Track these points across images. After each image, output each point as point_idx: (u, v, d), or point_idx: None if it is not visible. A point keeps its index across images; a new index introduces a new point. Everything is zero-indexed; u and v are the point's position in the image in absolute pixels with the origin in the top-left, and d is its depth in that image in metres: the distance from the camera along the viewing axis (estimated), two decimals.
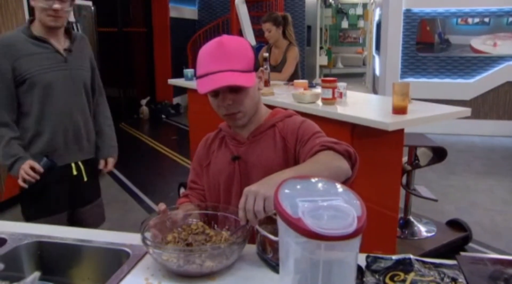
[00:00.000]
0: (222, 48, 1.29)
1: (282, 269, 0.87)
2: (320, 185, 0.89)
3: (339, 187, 0.88)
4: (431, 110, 2.65)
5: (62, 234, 1.39)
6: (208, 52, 1.31)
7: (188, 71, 4.05)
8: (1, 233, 1.35)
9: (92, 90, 2.24)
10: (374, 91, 9.71)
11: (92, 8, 5.20)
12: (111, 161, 2.30)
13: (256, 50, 8.15)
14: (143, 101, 8.41)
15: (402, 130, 2.55)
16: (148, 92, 8.82)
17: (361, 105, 2.90)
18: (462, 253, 1.19)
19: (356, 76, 14.32)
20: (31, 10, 4.11)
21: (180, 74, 8.43)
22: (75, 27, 4.68)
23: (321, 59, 13.48)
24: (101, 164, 2.26)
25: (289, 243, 0.80)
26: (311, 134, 1.35)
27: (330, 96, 2.67)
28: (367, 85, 11.96)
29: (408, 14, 6.76)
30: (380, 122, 2.29)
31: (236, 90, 1.31)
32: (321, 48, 13.80)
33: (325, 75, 13.68)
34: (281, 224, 0.81)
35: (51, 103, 2.03)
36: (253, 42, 8.22)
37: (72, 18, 4.64)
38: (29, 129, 2.04)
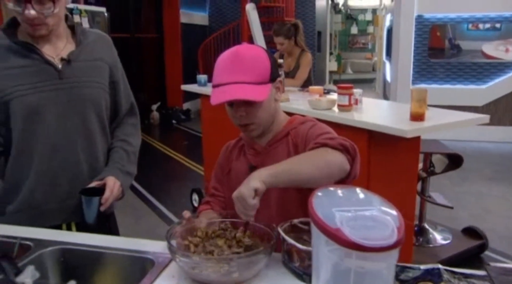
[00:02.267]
0: (237, 58, 1.27)
1: (315, 278, 0.87)
2: (354, 194, 0.89)
3: (374, 196, 0.88)
4: (449, 117, 2.63)
5: (86, 241, 1.39)
6: (223, 62, 1.30)
7: (201, 77, 4.05)
8: (25, 239, 1.35)
9: (114, 112, 1.65)
10: (385, 97, 9.67)
11: (106, 14, 5.23)
12: (111, 182, 1.49)
13: None
14: (154, 107, 8.45)
15: (418, 137, 2.53)
16: (159, 97, 8.85)
17: (377, 112, 2.89)
18: (492, 264, 1.16)
19: (366, 82, 14.30)
20: None
21: (190, 80, 8.45)
22: None
23: (331, 65, 13.45)
24: (93, 184, 1.50)
25: (324, 253, 0.80)
26: (316, 136, 1.31)
27: (347, 102, 2.66)
28: (377, 91, 11.93)
29: (420, 20, 6.73)
30: (398, 129, 2.28)
31: (249, 102, 1.29)
32: (331, 53, 13.78)
33: (335, 81, 13.66)
34: (316, 234, 0.80)
35: (35, 138, 1.44)
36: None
37: (86, 24, 4.66)
38: (2, 178, 1.50)
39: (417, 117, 2.40)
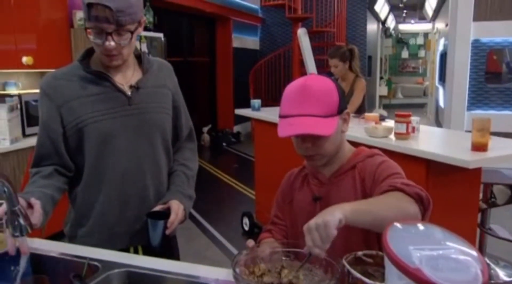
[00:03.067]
0: (306, 90, 1.26)
1: None
2: (430, 231, 0.87)
3: (451, 234, 0.85)
4: None
5: (150, 265, 1.42)
6: (292, 93, 1.29)
7: (255, 102, 4.10)
8: (94, 260, 1.39)
9: (174, 137, 1.69)
10: (437, 123, 9.44)
11: (163, 39, 5.42)
12: (176, 205, 1.51)
13: None
14: (205, 129, 8.60)
15: (480, 167, 2.45)
16: (210, 120, 9.01)
17: (435, 141, 2.82)
18: None
19: (417, 106, 14.03)
20: None
21: (241, 103, 8.61)
22: None
23: (381, 90, 13.33)
24: (157, 207, 1.53)
25: None
26: (387, 175, 1.29)
27: (404, 131, 2.62)
28: (429, 116, 11.66)
29: (476, 45, 6.58)
30: (460, 159, 2.21)
31: (315, 135, 1.27)
32: (381, 78, 13.65)
33: (385, 106, 13.48)
34: (392, 272, 0.79)
35: (107, 162, 1.49)
36: (314, 72, 8.31)
37: (145, 49, 4.84)
38: (73, 202, 1.57)
39: (479, 147, 2.33)
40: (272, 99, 8.80)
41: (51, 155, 1.49)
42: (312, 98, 1.26)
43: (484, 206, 3.05)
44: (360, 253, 1.24)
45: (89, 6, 1.33)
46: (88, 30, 1.38)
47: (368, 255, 1.23)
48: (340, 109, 1.31)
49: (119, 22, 1.35)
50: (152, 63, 1.62)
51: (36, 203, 1.28)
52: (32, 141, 3.64)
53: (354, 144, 1.50)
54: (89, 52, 1.53)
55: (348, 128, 1.39)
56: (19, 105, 3.64)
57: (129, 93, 1.51)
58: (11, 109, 3.49)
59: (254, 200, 4.60)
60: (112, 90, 1.49)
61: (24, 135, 3.73)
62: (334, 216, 1.06)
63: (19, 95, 3.72)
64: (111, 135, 1.48)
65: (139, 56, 1.60)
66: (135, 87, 1.52)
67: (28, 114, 3.78)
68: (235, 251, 3.85)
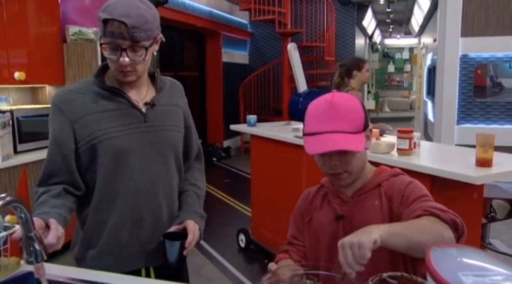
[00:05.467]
0: (334, 107, 1.26)
1: None
2: (474, 255, 0.84)
3: (494, 258, 0.83)
4: None
5: None
6: (319, 110, 1.29)
7: (251, 117, 4.07)
8: None
9: (185, 156, 1.66)
10: (427, 136, 9.53)
11: (155, 54, 5.40)
12: (192, 225, 1.50)
13: (309, 95, 8.14)
14: None
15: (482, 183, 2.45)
16: (200, 134, 8.92)
17: (438, 156, 2.82)
18: None
19: (404, 120, 14.17)
20: (104, 59, 4.31)
21: (231, 118, 8.59)
22: None
23: (369, 104, 13.43)
24: (173, 228, 1.51)
25: None
26: (416, 197, 1.28)
27: (407, 147, 2.61)
28: (417, 130, 11.77)
29: (465, 59, 6.67)
30: (466, 175, 2.20)
31: (344, 151, 1.26)
32: (368, 92, 13.77)
33: (372, 120, 13.56)
34: None
35: (120, 180, 1.45)
36: (304, 87, 8.34)
37: None
38: (83, 223, 1.51)
39: (484, 163, 2.33)
40: (263, 114, 8.80)
41: (61, 172, 1.44)
42: (340, 115, 1.25)
43: (483, 220, 3.05)
44: (385, 274, 1.21)
45: (105, 22, 1.31)
46: (104, 46, 1.36)
47: (392, 277, 1.20)
48: (365, 126, 1.31)
49: (134, 38, 1.34)
50: (165, 82, 1.61)
51: (53, 222, 1.24)
52: (24, 158, 3.56)
53: None
54: (104, 68, 1.52)
55: (370, 145, 1.38)
56: (10, 122, 3.55)
57: (144, 110, 1.49)
58: (3, 125, 3.40)
59: (248, 216, 4.55)
60: (128, 106, 1.47)
61: (16, 152, 3.64)
62: (370, 237, 1.04)
63: (11, 111, 3.64)
64: (125, 153, 1.44)
65: (152, 74, 1.58)
66: (151, 105, 1.50)
67: (20, 131, 3.70)
68: (231, 268, 3.79)
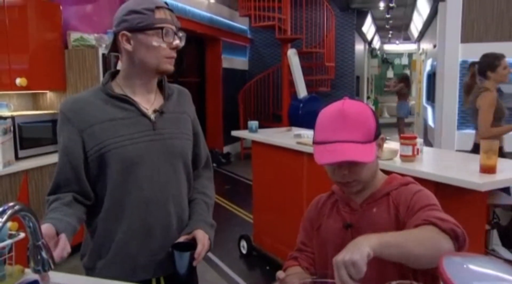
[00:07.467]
0: (344, 116, 1.24)
1: None
2: (488, 264, 0.84)
3: (508, 266, 0.82)
4: None
5: None
6: (328, 119, 1.26)
7: (253, 123, 4.06)
8: None
9: (193, 164, 1.62)
10: (427, 142, 9.52)
11: None
12: (201, 235, 1.47)
13: (309, 101, 8.13)
14: None
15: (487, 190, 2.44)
16: None
17: (441, 162, 2.81)
18: None
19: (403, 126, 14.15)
20: (105, 65, 4.31)
21: (231, 124, 8.58)
22: None
23: None
24: (182, 238, 1.48)
25: None
26: (422, 206, 1.25)
27: (410, 153, 2.60)
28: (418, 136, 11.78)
29: (465, 65, 6.69)
30: (471, 182, 2.20)
31: (354, 162, 1.24)
32: (368, 98, 13.79)
33: None
34: None
35: (129, 189, 1.43)
36: (304, 93, 8.35)
37: None
38: (93, 232, 1.49)
39: (487, 169, 2.32)
40: (262, 119, 8.80)
41: (71, 181, 1.42)
42: (350, 124, 1.23)
43: (487, 227, 3.04)
44: (394, 283, 1.20)
45: (157, 8, 1.39)
46: (150, 35, 1.40)
47: None
48: (376, 135, 1.28)
49: (176, 23, 1.44)
50: (173, 89, 1.59)
51: (62, 238, 1.22)
52: (25, 164, 3.55)
53: None
54: (112, 76, 1.50)
55: (382, 154, 1.36)
56: (12, 128, 3.54)
57: (153, 118, 1.47)
58: (4, 132, 3.39)
59: (249, 222, 4.53)
60: (137, 114, 1.44)
61: (17, 158, 3.63)
62: (363, 253, 1.01)
63: (12, 117, 3.63)
64: (135, 162, 1.42)
65: (159, 82, 1.55)
66: (160, 112, 1.48)
67: (21, 137, 3.69)
68: (233, 275, 3.77)
